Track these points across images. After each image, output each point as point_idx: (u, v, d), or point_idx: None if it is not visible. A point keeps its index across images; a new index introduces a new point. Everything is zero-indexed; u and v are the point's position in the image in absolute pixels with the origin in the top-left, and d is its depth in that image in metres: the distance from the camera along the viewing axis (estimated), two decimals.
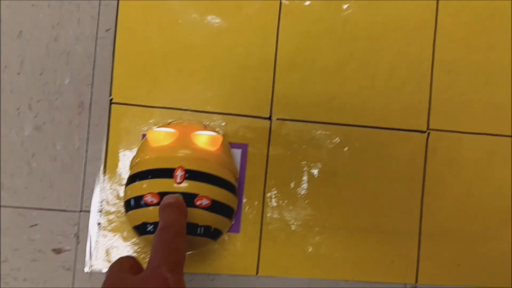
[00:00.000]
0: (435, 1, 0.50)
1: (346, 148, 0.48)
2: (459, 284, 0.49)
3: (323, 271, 0.48)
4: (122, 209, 0.45)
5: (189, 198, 0.39)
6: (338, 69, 0.49)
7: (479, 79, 0.50)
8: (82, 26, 0.47)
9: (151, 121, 0.47)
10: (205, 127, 0.46)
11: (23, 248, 0.46)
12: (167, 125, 0.45)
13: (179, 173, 0.39)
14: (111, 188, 0.46)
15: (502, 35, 0.50)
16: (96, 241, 0.46)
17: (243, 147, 0.48)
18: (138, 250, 0.46)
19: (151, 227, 0.39)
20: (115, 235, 0.46)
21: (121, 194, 0.46)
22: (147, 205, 0.39)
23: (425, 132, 0.49)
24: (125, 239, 0.46)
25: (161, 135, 0.42)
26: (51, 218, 0.46)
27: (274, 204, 0.48)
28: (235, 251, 0.47)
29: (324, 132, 0.48)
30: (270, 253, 0.47)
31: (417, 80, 0.49)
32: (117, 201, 0.46)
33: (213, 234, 0.41)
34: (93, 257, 0.46)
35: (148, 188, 0.39)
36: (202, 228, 0.40)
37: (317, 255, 0.48)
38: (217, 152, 0.43)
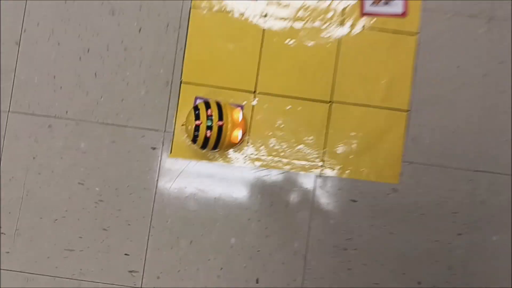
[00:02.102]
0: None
1: (296, 111, 1.01)
2: (354, 173, 1.01)
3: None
4: (184, 133, 0.98)
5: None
6: (296, 73, 1.01)
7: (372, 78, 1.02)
8: (168, 46, 1.02)
9: (199, 93, 1.01)
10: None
11: (136, 147, 1.00)
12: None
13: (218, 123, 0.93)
14: (179, 122, 1.00)
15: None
16: (172, 142, 1.00)
17: (242, 106, 1.01)
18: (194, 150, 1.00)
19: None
20: (181, 144, 1.00)
21: (183, 128, 1.00)
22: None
23: (329, 102, 1.01)
24: (184, 141, 1.00)
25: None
26: (150, 133, 1.01)
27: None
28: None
29: (284, 99, 1.01)
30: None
31: (326, 74, 1.01)
32: (182, 129, 1.00)
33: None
34: (172, 152, 1.00)
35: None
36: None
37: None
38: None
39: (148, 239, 0.99)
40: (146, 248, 0.99)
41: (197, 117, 0.93)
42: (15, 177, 1.00)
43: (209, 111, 0.93)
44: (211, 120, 0.92)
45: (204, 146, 0.94)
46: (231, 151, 1.00)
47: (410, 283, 1.00)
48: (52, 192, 1.00)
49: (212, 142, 0.93)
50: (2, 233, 0.99)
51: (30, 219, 1.00)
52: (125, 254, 0.99)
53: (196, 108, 0.94)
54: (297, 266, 0.99)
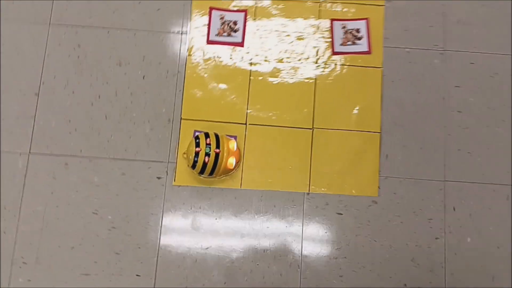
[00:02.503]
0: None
1: (283, 137, 1.15)
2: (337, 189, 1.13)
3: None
4: (185, 162, 1.12)
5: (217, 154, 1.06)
6: (281, 106, 1.17)
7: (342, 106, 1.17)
8: (168, 89, 1.17)
9: (197, 127, 1.15)
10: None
11: (143, 178, 1.13)
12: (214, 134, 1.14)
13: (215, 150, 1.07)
14: (181, 153, 1.14)
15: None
16: (175, 171, 1.13)
17: (235, 137, 1.15)
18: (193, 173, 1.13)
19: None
20: (183, 172, 1.13)
21: (184, 157, 1.13)
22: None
23: (311, 129, 1.16)
24: (186, 170, 1.13)
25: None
26: (156, 165, 1.14)
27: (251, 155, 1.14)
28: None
29: (272, 128, 1.15)
30: (249, 170, 1.13)
31: (307, 105, 1.17)
32: (183, 160, 1.13)
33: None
34: (175, 179, 1.13)
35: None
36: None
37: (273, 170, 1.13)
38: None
39: (157, 260, 1.09)
40: (156, 269, 1.09)
41: (197, 145, 1.06)
42: (35, 211, 1.11)
43: (208, 140, 1.07)
44: (210, 147, 1.06)
45: (202, 171, 1.07)
46: (228, 176, 1.13)
47: (397, 285, 1.09)
48: (69, 222, 1.11)
49: (209, 167, 1.06)
50: (24, 262, 1.09)
51: (49, 248, 1.10)
52: (137, 275, 1.09)
53: (196, 137, 1.08)
54: (294, 277, 1.09)
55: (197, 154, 1.06)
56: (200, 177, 1.13)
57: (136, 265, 1.09)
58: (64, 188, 1.13)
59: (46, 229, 1.11)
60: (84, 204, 1.12)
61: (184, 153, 1.11)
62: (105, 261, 1.10)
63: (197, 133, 1.15)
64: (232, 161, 1.09)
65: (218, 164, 1.07)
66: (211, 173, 1.08)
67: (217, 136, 1.09)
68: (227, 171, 1.12)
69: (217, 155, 1.06)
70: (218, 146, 1.07)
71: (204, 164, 1.06)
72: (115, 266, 1.09)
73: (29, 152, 1.14)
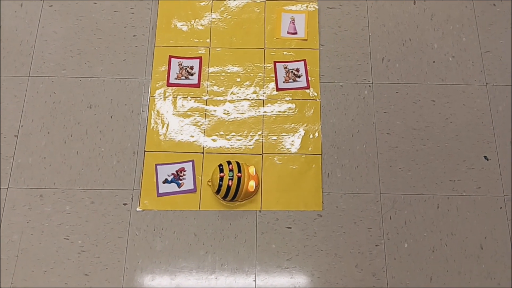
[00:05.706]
0: None
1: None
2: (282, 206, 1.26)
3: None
4: (148, 188, 1.25)
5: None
6: (234, 135, 1.33)
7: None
8: (133, 126, 1.33)
9: (159, 160, 1.30)
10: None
11: (111, 205, 1.25)
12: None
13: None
14: (145, 182, 1.27)
15: None
16: (139, 197, 1.26)
17: (192, 161, 1.30)
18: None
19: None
20: (147, 198, 1.26)
21: (151, 187, 1.27)
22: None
23: (260, 154, 1.31)
24: (150, 196, 1.26)
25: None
26: (122, 192, 1.27)
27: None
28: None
29: (226, 155, 1.31)
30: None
31: (256, 133, 1.33)
32: (149, 189, 1.27)
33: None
34: (140, 205, 1.25)
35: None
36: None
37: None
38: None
39: (123, 279, 1.19)
40: (122, 286, 1.19)
41: (221, 171, 1.22)
42: (12, 240, 1.22)
43: (230, 166, 1.22)
44: (232, 172, 1.21)
45: (226, 195, 1.21)
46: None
47: None
48: (42, 248, 1.21)
49: (233, 190, 1.21)
50: None
51: (23, 273, 1.19)
52: None
53: (220, 165, 1.24)
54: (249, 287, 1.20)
55: (221, 178, 1.21)
56: (223, 202, 1.26)
57: (104, 285, 1.19)
58: (39, 217, 1.24)
59: (21, 256, 1.21)
60: (57, 231, 1.23)
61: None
62: (75, 283, 1.19)
63: (159, 167, 1.29)
64: (252, 183, 1.23)
65: (241, 186, 1.21)
66: (234, 195, 1.22)
67: (237, 163, 1.24)
68: (249, 194, 1.25)
69: (239, 178, 1.21)
70: (239, 171, 1.22)
71: (228, 188, 1.20)
72: (84, 286, 1.19)
73: (8, 187, 1.27)
